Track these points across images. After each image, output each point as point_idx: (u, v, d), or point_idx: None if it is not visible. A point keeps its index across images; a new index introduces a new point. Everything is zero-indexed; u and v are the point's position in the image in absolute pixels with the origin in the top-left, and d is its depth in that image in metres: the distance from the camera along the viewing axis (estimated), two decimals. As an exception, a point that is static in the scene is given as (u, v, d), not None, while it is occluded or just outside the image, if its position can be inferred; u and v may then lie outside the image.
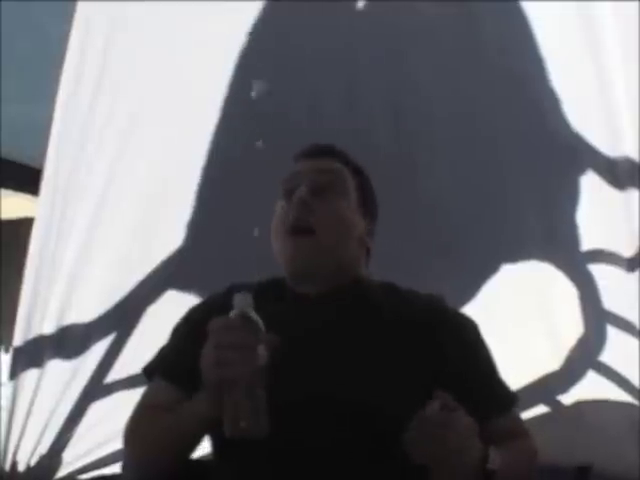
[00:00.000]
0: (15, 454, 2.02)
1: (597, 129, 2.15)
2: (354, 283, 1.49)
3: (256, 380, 1.13)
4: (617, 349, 2.19)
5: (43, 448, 2.05)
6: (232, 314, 1.16)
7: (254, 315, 1.16)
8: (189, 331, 1.48)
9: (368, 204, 1.55)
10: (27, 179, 2.15)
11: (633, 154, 2.10)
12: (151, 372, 1.49)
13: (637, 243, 2.12)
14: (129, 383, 2.05)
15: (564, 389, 2.22)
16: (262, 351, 1.14)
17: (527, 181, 2.23)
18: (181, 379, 1.39)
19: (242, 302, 1.17)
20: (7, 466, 2.01)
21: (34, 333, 2.04)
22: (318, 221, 1.43)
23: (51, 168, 2.07)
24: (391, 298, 1.48)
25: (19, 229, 2.11)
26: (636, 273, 2.14)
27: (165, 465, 1.35)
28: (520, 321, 2.21)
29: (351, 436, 1.30)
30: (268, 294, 1.46)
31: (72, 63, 2.06)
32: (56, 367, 2.06)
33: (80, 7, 2.05)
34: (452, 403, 1.21)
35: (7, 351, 2.05)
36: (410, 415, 1.25)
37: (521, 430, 1.42)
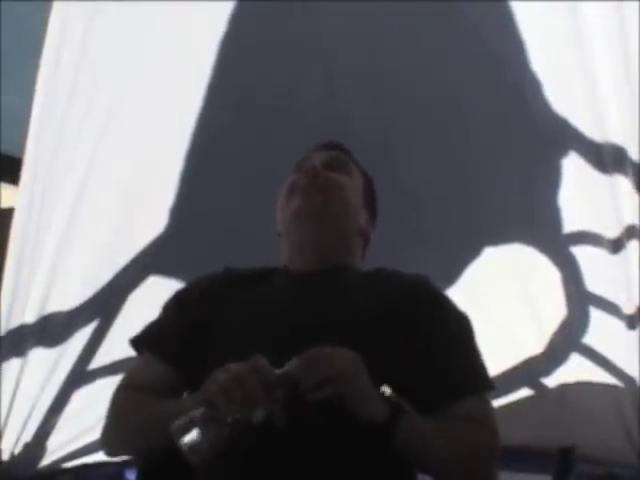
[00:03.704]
0: (-2, 443, 2.02)
1: (582, 114, 2.15)
2: (341, 269, 1.51)
3: (231, 428, 1.15)
4: (600, 331, 2.20)
5: (27, 437, 2.04)
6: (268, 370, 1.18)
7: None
8: (178, 307, 1.53)
9: (372, 203, 1.64)
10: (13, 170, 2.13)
11: (618, 140, 2.10)
12: (138, 343, 1.51)
13: (621, 225, 2.13)
14: (112, 370, 2.05)
15: (548, 372, 2.23)
16: (259, 412, 1.16)
17: (509, 165, 2.23)
18: (167, 352, 1.44)
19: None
20: (-9, 455, 2.01)
21: (16, 322, 2.03)
22: (329, 187, 1.52)
23: (31, 157, 2.05)
24: (370, 285, 1.50)
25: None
26: (619, 255, 2.14)
27: (146, 449, 1.39)
28: (503, 304, 2.21)
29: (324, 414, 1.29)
30: (261, 275, 1.55)
31: (50, 51, 2.04)
32: (39, 355, 2.05)
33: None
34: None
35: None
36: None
37: (484, 420, 1.39)
